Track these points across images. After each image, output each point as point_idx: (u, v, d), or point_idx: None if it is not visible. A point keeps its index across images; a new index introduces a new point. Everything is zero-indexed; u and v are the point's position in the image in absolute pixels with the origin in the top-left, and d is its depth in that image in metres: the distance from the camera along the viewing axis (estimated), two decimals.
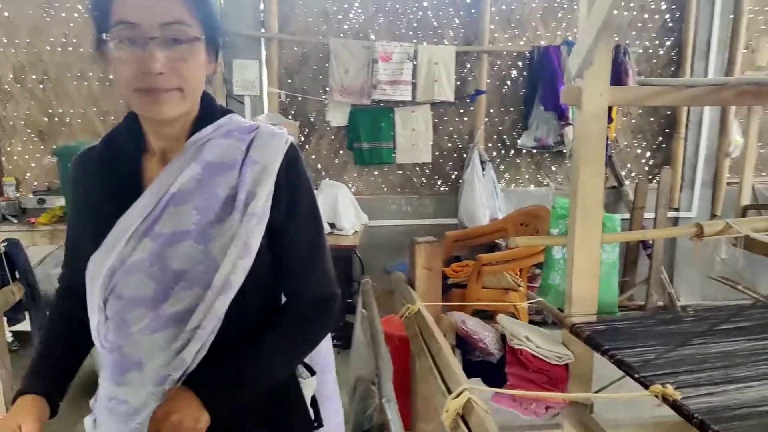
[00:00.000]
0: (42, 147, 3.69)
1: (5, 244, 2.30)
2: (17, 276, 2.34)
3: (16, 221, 3.13)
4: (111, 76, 0.85)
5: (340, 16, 3.69)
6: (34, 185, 3.70)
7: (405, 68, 3.58)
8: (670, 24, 3.87)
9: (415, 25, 3.74)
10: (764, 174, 4.17)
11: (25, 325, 2.46)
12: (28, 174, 3.72)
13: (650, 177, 4.08)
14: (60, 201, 3.26)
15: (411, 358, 1.76)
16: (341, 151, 3.86)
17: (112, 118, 3.66)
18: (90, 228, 0.89)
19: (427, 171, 3.94)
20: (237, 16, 3.47)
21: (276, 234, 0.89)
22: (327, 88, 3.64)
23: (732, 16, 3.78)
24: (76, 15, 3.55)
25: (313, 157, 3.86)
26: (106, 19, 0.78)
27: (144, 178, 0.88)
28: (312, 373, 1.02)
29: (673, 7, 3.84)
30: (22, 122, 3.68)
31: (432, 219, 3.87)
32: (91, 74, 3.63)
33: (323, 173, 3.87)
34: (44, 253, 2.90)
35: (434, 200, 3.88)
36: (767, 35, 3.79)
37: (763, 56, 3.15)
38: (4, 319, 2.25)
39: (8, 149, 3.70)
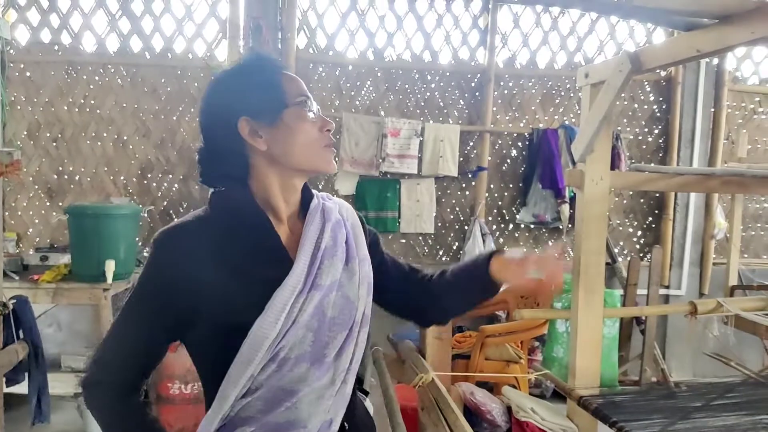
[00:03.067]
0: (48, 204, 3.70)
1: (14, 301, 2.17)
2: (21, 335, 2.19)
3: (17, 278, 2.90)
4: (264, 144, 0.94)
5: (352, 93, 3.94)
6: (35, 241, 3.67)
7: (412, 143, 3.80)
8: (658, 114, 4.18)
9: (422, 104, 4.00)
10: (746, 256, 4.36)
11: (19, 388, 2.26)
12: (31, 230, 3.70)
13: (641, 255, 4.24)
14: (64, 259, 3.08)
15: (420, 429, 1.78)
16: None
17: (122, 177, 3.73)
18: (235, 299, 0.89)
19: (429, 241, 4.07)
20: None
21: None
22: (337, 159, 3.84)
23: (713, 109, 4.10)
24: (97, 78, 3.70)
25: None
26: (283, 96, 0.94)
27: (281, 241, 0.98)
28: (366, 393, 1.17)
29: (660, 99, 4.17)
30: (31, 178, 3.69)
31: None
32: (105, 135, 3.72)
33: None
34: (39, 311, 2.64)
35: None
36: (744, 129, 4.11)
37: (742, 149, 3.41)
38: (3, 379, 2.08)
39: (13, 204, 3.67)
